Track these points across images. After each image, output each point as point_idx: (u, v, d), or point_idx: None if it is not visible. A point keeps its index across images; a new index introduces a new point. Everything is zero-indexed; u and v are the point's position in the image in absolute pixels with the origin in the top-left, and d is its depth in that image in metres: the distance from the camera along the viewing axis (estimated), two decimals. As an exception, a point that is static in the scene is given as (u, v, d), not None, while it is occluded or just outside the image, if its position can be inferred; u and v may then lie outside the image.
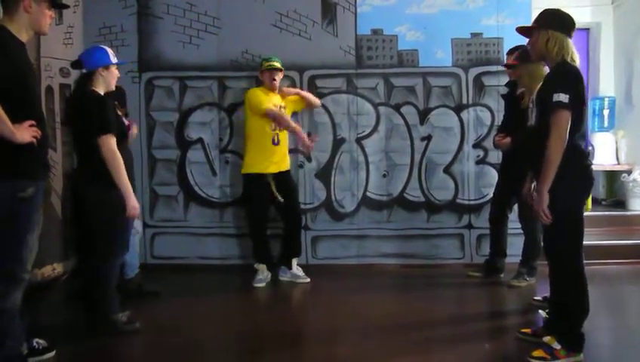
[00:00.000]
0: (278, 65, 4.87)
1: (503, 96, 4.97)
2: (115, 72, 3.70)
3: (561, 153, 2.95)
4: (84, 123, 3.52)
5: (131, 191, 3.57)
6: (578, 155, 3.06)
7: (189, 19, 5.39)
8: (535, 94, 3.20)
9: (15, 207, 2.58)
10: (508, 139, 4.55)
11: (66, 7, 3.00)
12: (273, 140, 4.83)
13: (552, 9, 3.18)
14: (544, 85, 3.13)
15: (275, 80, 4.86)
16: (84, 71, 3.65)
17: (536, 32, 3.13)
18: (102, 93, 3.60)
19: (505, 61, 4.83)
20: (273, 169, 4.86)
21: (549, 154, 2.97)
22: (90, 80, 3.59)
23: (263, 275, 4.89)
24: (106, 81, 3.63)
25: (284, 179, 4.94)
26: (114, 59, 3.67)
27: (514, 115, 4.54)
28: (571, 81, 3.00)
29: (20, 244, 2.62)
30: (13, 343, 2.59)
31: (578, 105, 2.99)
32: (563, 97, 2.92)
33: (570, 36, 3.09)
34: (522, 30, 3.28)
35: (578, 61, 3.09)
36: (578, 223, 3.11)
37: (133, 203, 3.56)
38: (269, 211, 5.02)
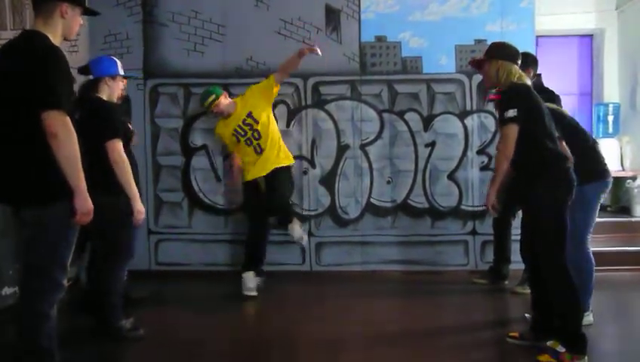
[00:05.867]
0: (208, 102, 4.80)
1: None
2: (120, 84, 3.77)
3: (505, 163, 3.26)
4: (91, 128, 3.55)
5: (138, 195, 3.60)
6: (554, 158, 3.27)
7: (193, 27, 5.43)
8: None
9: (69, 220, 2.64)
10: None
11: (98, 13, 3.01)
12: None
13: (498, 42, 3.61)
14: (499, 109, 3.39)
15: (216, 113, 4.86)
16: (90, 77, 3.69)
17: (487, 63, 3.47)
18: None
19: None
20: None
21: (496, 163, 3.46)
22: (96, 87, 3.64)
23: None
24: (111, 91, 3.68)
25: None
26: (121, 71, 3.73)
27: None
28: (517, 97, 3.29)
29: (68, 255, 2.71)
30: (51, 344, 2.68)
31: (533, 115, 3.26)
32: (511, 113, 3.22)
33: (516, 63, 3.43)
34: (475, 63, 3.61)
35: (527, 80, 3.41)
36: (559, 222, 3.19)
37: (139, 207, 3.58)
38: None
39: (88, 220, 2.68)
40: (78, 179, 2.58)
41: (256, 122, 4.79)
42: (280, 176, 4.85)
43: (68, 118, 2.55)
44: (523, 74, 3.44)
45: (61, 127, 2.52)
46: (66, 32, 2.76)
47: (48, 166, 2.55)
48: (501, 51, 3.46)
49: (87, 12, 2.90)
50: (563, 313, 3.19)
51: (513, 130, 3.22)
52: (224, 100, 4.83)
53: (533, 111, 3.28)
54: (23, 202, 2.63)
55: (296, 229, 4.83)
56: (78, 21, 2.80)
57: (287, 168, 4.96)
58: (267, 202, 4.84)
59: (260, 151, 4.82)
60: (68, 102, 2.59)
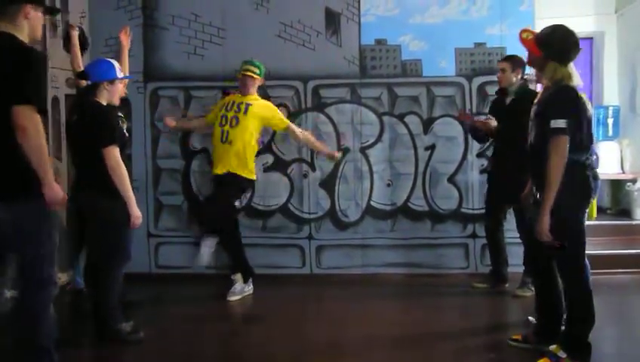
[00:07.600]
0: (260, 69, 4.84)
1: (493, 101, 4.96)
2: (119, 87, 3.76)
3: (560, 176, 3.01)
4: (88, 133, 3.56)
5: (134, 201, 3.60)
6: (576, 167, 3.09)
7: (193, 30, 5.43)
8: (532, 110, 3.26)
9: (53, 218, 2.69)
10: (493, 122, 4.57)
11: (59, 11, 3.04)
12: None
13: (560, 38, 3.19)
14: (544, 105, 3.16)
15: (244, 84, 4.82)
16: (88, 82, 3.70)
17: (542, 59, 3.17)
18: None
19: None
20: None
21: (549, 178, 3.03)
22: (94, 92, 3.64)
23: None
24: (110, 95, 3.68)
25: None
26: (119, 74, 3.72)
27: (500, 121, 4.59)
28: (569, 106, 3.07)
29: (54, 250, 2.75)
30: (49, 343, 2.72)
31: (576, 124, 3.05)
32: (561, 123, 3.01)
33: (572, 60, 3.15)
34: (526, 42, 3.26)
35: (580, 82, 3.15)
36: (579, 233, 3.14)
37: (136, 213, 3.59)
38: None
39: (62, 206, 2.73)
40: (45, 170, 2.60)
41: (244, 114, 4.72)
42: (227, 180, 4.77)
43: (38, 115, 2.58)
44: (577, 75, 3.15)
45: (29, 121, 2.55)
46: (32, 32, 2.82)
47: (28, 164, 2.58)
48: (561, 54, 3.13)
49: (49, 11, 2.95)
50: (574, 317, 3.16)
51: (564, 142, 3.01)
52: (257, 84, 4.87)
53: (578, 119, 3.06)
54: (2, 199, 2.62)
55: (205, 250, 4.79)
56: (41, 21, 2.87)
57: (240, 180, 4.78)
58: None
59: (224, 140, 4.75)
60: (45, 100, 2.66)
